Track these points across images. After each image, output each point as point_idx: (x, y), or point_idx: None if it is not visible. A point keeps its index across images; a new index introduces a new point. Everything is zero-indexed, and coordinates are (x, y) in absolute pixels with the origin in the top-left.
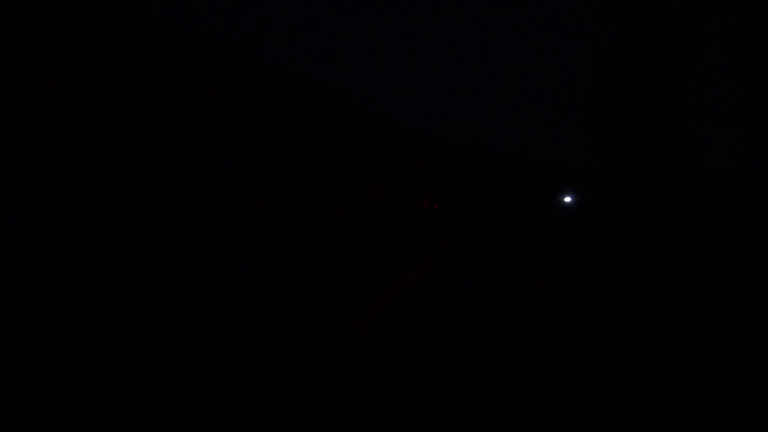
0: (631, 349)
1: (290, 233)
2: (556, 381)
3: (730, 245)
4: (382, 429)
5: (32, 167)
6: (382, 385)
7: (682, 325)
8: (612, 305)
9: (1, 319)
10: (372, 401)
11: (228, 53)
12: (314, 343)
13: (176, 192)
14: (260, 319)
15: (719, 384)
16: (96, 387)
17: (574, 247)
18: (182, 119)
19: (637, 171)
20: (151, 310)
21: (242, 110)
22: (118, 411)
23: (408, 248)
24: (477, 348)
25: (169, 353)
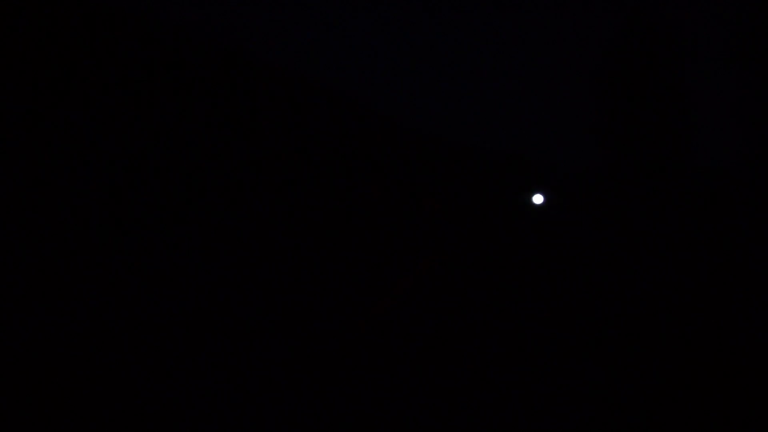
0: (630, 349)
1: (289, 233)
2: (554, 381)
3: (729, 244)
4: (382, 428)
5: (32, 166)
6: (383, 384)
7: (681, 326)
8: (611, 303)
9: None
10: (372, 401)
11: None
12: (314, 342)
13: (177, 192)
14: (260, 319)
15: (718, 383)
16: (94, 386)
17: (573, 246)
18: (184, 119)
19: (636, 169)
20: (149, 310)
21: (238, 106)
22: (116, 410)
23: (407, 248)
24: (476, 347)
25: (168, 353)
